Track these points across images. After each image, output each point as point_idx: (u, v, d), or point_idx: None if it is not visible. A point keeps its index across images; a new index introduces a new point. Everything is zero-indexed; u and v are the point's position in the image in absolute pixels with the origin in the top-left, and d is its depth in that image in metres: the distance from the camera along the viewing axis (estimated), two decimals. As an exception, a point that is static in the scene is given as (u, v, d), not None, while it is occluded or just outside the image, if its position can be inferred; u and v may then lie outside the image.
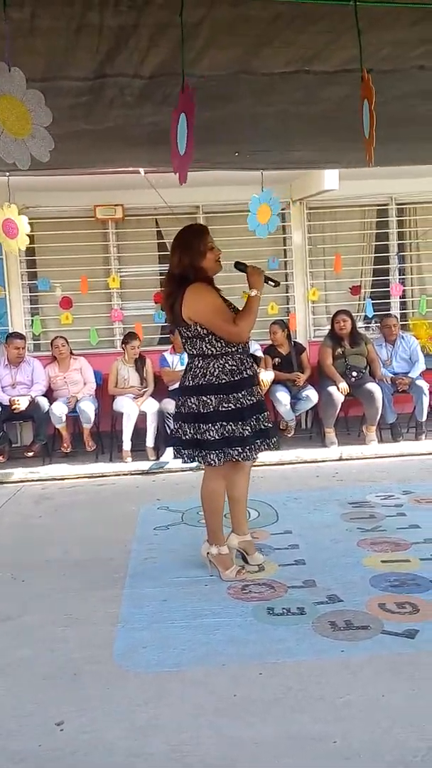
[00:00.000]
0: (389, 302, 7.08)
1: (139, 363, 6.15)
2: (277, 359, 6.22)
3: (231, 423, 3.06)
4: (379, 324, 6.75)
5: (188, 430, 3.11)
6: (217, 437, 3.05)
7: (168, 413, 5.78)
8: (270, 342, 6.31)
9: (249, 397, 3.13)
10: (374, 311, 6.90)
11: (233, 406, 3.06)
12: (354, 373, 6.09)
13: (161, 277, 6.84)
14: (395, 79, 2.96)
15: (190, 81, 2.27)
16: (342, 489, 4.80)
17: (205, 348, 3.08)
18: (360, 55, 2.46)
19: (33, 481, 5.54)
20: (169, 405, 5.80)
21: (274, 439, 3.33)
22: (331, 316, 6.43)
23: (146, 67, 2.60)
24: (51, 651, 2.61)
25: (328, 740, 1.96)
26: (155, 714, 2.15)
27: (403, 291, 7.11)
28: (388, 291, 7.05)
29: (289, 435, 6.15)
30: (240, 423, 3.07)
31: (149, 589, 3.12)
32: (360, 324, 6.79)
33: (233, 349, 3.11)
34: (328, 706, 2.12)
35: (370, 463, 5.65)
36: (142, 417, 5.94)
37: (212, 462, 3.09)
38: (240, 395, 3.09)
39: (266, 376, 5.92)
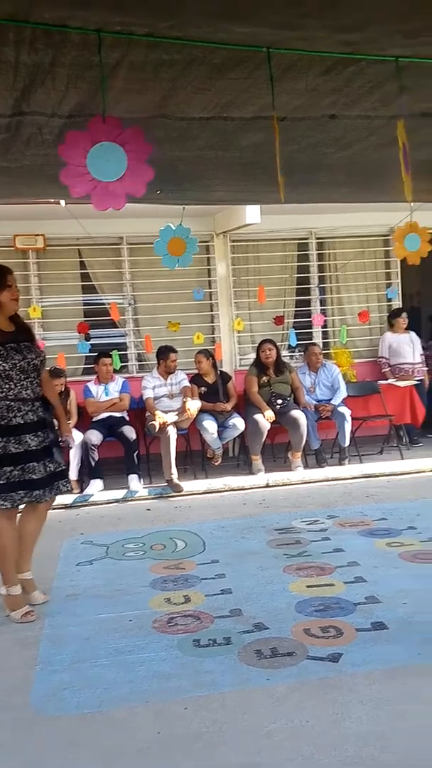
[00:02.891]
0: (311, 332, 7.31)
1: (63, 395, 6.03)
2: (203, 388, 6.27)
3: (6, 467, 3.08)
4: (303, 353, 6.95)
5: None
6: None
7: (93, 444, 5.70)
8: (196, 371, 6.37)
9: (17, 445, 3.13)
10: (297, 340, 7.11)
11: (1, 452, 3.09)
12: (279, 401, 6.22)
13: (85, 308, 6.81)
14: (308, 127, 3.10)
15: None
16: (268, 516, 4.86)
17: None
18: (272, 99, 2.59)
19: None
20: (93, 436, 5.73)
21: (62, 483, 3.32)
22: (257, 345, 6.57)
23: (65, 107, 2.62)
24: (-35, 700, 2.48)
25: (252, 772, 1.95)
26: (72, 759, 2.08)
27: (325, 321, 7.37)
28: (311, 321, 7.28)
29: (217, 463, 6.18)
30: (19, 467, 3.10)
31: (71, 628, 3.04)
32: (284, 353, 6.97)
33: (1, 395, 3.14)
34: (252, 737, 2.12)
35: (296, 489, 5.76)
36: (65, 449, 5.81)
37: None
38: (5, 441, 3.10)
39: (192, 405, 5.95)
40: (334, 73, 2.64)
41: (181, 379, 6.21)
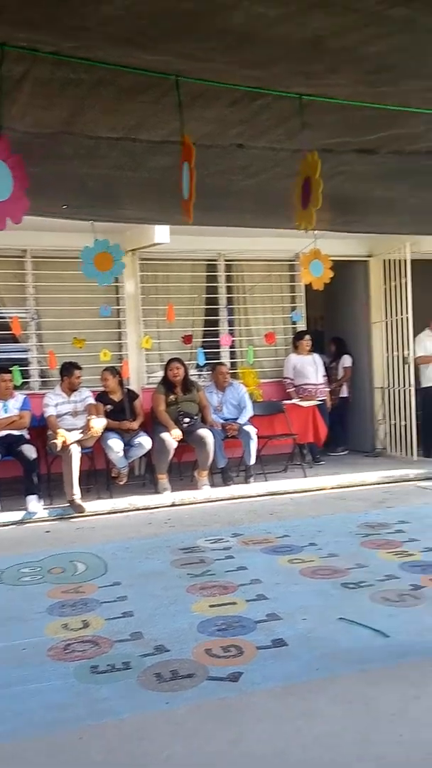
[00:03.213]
0: (219, 351, 7.42)
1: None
2: (109, 406, 6.19)
3: None
4: (210, 372, 7.03)
5: None
6: None
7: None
8: (102, 388, 6.28)
9: None
10: (205, 360, 7.18)
11: None
12: (186, 419, 6.25)
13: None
14: (215, 154, 3.18)
15: (14, 136, 2.26)
16: (174, 535, 4.84)
17: None
18: (181, 125, 2.63)
19: None
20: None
21: None
22: (164, 363, 6.59)
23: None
24: None
25: (149, 800, 1.92)
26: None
27: (233, 341, 7.50)
28: (219, 341, 7.39)
29: (122, 483, 6.10)
30: None
31: (-39, 661, 2.87)
32: (192, 372, 7.02)
33: None
34: (149, 763, 2.09)
35: (202, 508, 5.78)
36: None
37: None
38: None
39: (97, 423, 5.86)
40: (242, 105, 2.73)
41: (86, 396, 6.10)
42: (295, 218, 2.86)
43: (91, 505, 5.67)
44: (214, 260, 7.40)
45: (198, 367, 7.27)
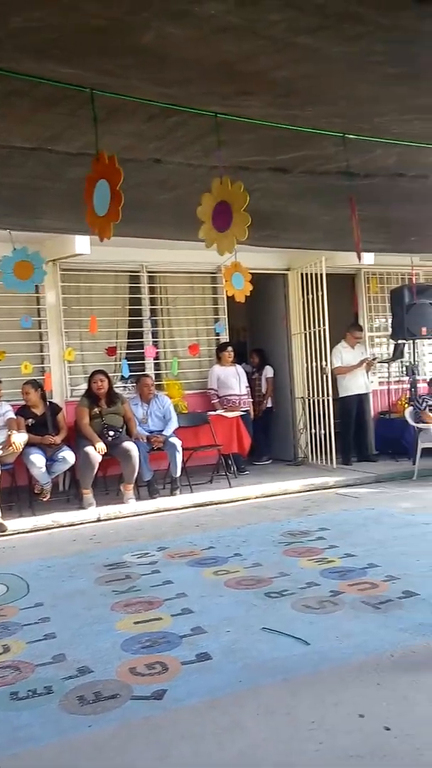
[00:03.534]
0: (144, 363, 7.39)
1: None
2: (30, 420, 6.02)
3: None
4: (135, 384, 6.99)
5: None
6: None
7: None
8: (23, 402, 6.11)
9: None
10: (130, 371, 7.13)
11: None
12: (111, 433, 6.17)
13: None
14: (133, 168, 3.18)
15: None
16: (99, 551, 4.76)
17: None
18: (96, 140, 2.62)
19: None
20: None
21: None
22: (88, 375, 6.49)
23: None
24: None
25: None
26: None
27: (157, 353, 7.49)
28: (143, 352, 7.36)
29: (45, 499, 5.94)
30: None
31: None
32: (116, 384, 6.95)
33: None
34: (71, 791, 2.04)
35: (128, 522, 5.72)
36: None
37: None
38: None
39: (18, 438, 5.69)
40: (158, 120, 2.75)
41: (6, 410, 5.92)
42: (204, 237, 2.90)
43: (13, 524, 5.49)
44: (137, 272, 7.38)
45: (122, 379, 7.21)
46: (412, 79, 2.17)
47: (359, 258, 3.44)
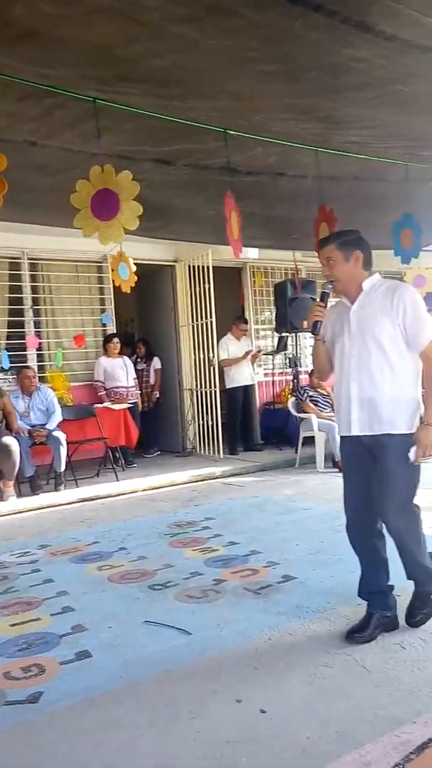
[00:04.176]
0: (26, 354, 7.10)
1: None
2: None
3: None
4: (15, 376, 6.70)
5: None
6: None
7: None
8: None
9: None
10: (10, 363, 6.82)
11: None
12: (-11, 428, 5.89)
13: None
14: (10, 149, 3.02)
15: None
16: (-26, 553, 4.52)
17: None
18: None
19: None
20: None
21: None
22: (-36, 368, 6.14)
23: None
24: None
25: None
26: None
27: (40, 344, 7.22)
28: (24, 343, 7.07)
29: None
30: None
31: None
32: (-4, 376, 6.64)
33: None
34: None
35: (8, 521, 5.48)
36: None
37: None
38: None
39: None
40: (32, 101, 2.63)
41: None
42: (80, 225, 2.82)
43: None
44: (18, 258, 7.06)
45: (2, 370, 6.89)
46: (287, 78, 2.22)
47: (236, 255, 3.49)
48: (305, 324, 7.68)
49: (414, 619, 2.84)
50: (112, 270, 4.68)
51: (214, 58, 2.04)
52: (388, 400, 2.65)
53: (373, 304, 2.70)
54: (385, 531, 2.80)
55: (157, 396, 8.05)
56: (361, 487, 2.78)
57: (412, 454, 2.63)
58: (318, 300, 2.88)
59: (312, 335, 2.91)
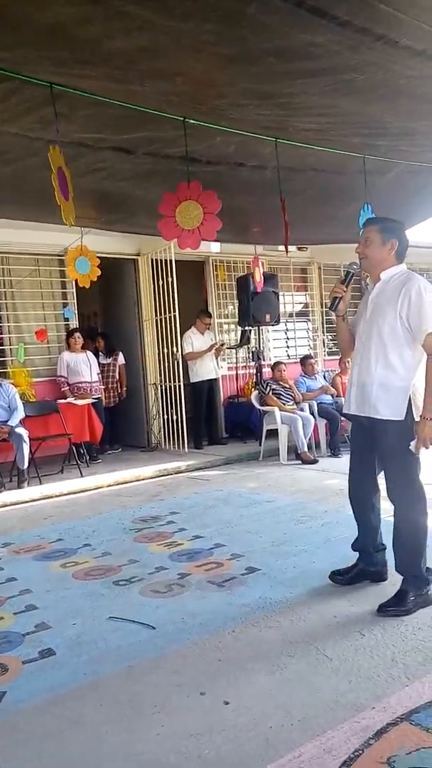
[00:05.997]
0: (-14, 350, 6.95)
1: None
2: None
3: None
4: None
5: None
6: None
7: None
8: None
9: None
10: (-31, 359, 6.68)
11: None
12: None
13: None
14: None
15: None
16: None
17: None
18: None
19: None
20: None
21: None
22: None
23: None
24: None
25: None
26: None
27: (1, 339, 7.07)
28: (-15, 338, 6.92)
29: None
30: None
31: None
32: None
33: None
34: None
35: (-31, 519, 5.36)
36: None
37: None
38: None
39: None
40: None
41: None
42: (60, 212, 2.77)
43: None
44: (-24, 251, 6.90)
45: (-39, 367, 6.73)
46: (243, 62, 2.20)
47: (181, 246, 3.48)
48: (268, 317, 7.73)
49: (385, 609, 2.88)
50: (69, 264, 4.60)
51: (171, 39, 2.00)
52: (377, 386, 2.81)
53: (386, 294, 2.83)
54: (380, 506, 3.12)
55: (124, 390, 7.98)
56: (360, 461, 3.08)
57: (412, 446, 2.76)
58: (342, 277, 3.00)
59: (331, 311, 3.03)
